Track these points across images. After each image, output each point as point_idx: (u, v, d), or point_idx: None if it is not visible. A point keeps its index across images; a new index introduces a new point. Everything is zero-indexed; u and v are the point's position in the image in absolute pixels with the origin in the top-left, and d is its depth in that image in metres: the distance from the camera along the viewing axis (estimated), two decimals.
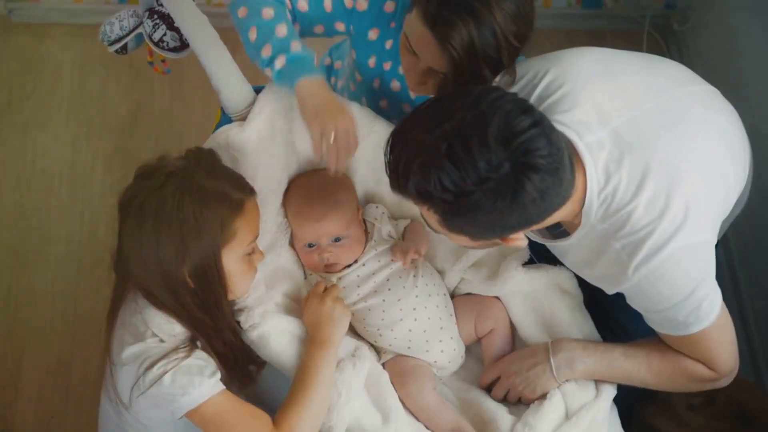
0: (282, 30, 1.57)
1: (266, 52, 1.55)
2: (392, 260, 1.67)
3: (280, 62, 1.54)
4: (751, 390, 1.72)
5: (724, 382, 1.52)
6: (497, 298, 1.71)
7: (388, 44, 1.71)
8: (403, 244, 1.67)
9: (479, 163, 1.17)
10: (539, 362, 1.57)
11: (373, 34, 1.70)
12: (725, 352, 1.48)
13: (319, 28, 1.69)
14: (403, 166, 1.23)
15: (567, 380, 1.58)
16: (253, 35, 1.57)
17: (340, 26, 1.69)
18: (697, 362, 1.49)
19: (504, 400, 1.62)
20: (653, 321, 1.47)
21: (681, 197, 1.34)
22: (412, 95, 1.78)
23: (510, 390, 1.60)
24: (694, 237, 1.35)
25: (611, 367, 1.55)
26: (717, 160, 1.43)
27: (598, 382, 1.59)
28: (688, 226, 1.34)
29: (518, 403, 1.62)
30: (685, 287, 1.37)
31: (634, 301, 1.45)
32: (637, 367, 1.53)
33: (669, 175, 1.34)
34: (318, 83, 1.55)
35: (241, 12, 1.60)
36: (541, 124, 1.21)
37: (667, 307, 1.40)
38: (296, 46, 1.55)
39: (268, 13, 1.58)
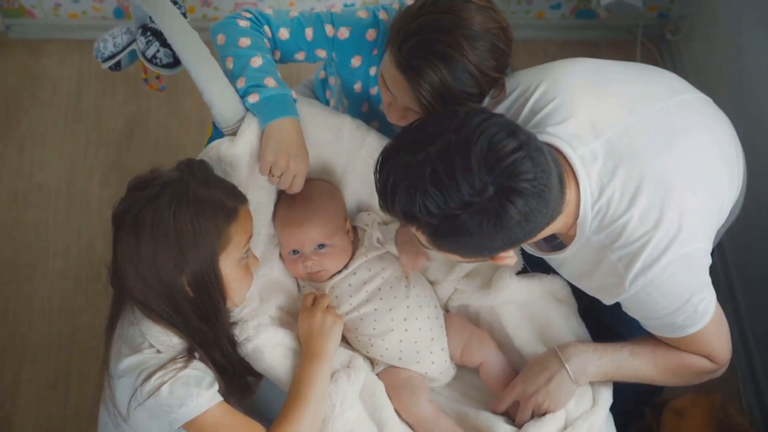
0: (257, 61, 1.58)
1: (240, 84, 1.58)
2: (400, 266, 1.65)
3: (253, 99, 1.56)
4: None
5: (722, 371, 1.54)
6: (485, 329, 1.70)
7: (372, 71, 1.71)
8: (408, 249, 1.65)
9: (463, 187, 1.18)
10: (555, 373, 1.55)
11: (356, 62, 1.70)
12: (722, 345, 1.50)
13: (300, 55, 1.70)
14: (390, 188, 1.24)
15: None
16: (229, 65, 1.60)
17: (321, 53, 1.70)
18: (699, 356, 1.50)
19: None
20: (651, 327, 1.48)
21: (675, 207, 1.34)
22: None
23: (534, 410, 1.57)
24: (689, 246, 1.36)
25: (621, 367, 1.54)
26: (711, 169, 1.44)
27: (594, 391, 1.59)
28: (682, 236, 1.34)
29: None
30: (681, 295, 1.38)
31: (631, 310, 1.46)
32: (644, 365, 1.53)
33: (662, 185, 1.35)
34: (288, 122, 1.57)
35: (220, 39, 1.62)
36: (526, 146, 1.21)
37: (664, 314, 1.41)
38: (270, 83, 1.57)
39: (244, 42, 1.59)
